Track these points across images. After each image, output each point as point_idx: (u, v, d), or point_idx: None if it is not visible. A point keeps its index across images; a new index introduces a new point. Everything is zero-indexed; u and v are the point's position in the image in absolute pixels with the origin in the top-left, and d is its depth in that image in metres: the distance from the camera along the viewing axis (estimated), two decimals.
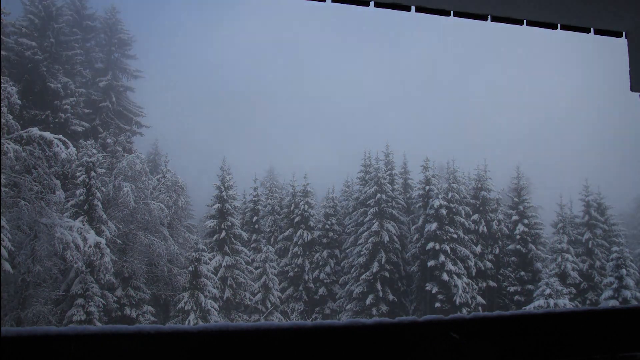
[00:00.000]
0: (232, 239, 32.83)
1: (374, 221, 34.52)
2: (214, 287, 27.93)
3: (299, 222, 38.32)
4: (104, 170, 24.19)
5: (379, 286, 33.05)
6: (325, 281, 37.69)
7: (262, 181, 43.79)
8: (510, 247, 34.78)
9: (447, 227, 32.87)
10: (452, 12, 3.27)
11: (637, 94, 3.80)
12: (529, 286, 33.34)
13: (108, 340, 2.16)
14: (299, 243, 37.76)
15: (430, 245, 32.17)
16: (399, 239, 35.44)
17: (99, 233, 20.85)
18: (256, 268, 33.36)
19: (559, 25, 3.55)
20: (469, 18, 3.37)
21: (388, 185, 36.19)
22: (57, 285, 19.55)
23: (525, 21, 3.47)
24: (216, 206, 33.06)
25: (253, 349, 2.30)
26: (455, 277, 31.59)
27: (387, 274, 33.69)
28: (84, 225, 18.89)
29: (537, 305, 27.54)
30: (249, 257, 33.88)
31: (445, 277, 31.44)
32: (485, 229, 34.99)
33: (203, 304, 25.28)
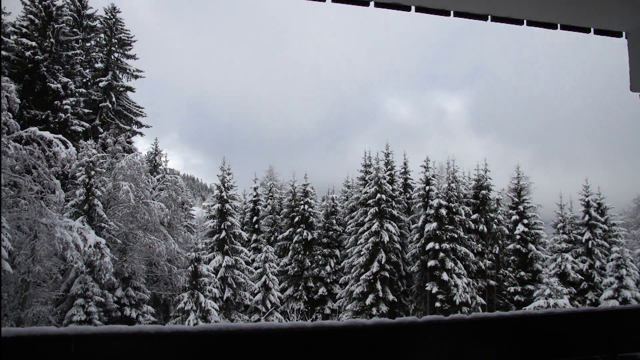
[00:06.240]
0: (232, 239, 32.83)
1: (374, 221, 34.51)
2: (214, 287, 27.94)
3: (299, 222, 38.32)
4: (104, 170, 24.18)
5: (379, 286, 33.04)
6: (325, 281, 37.71)
7: (262, 181, 43.81)
8: (510, 247, 34.78)
9: (447, 226, 32.88)
10: (452, 12, 3.27)
11: (637, 94, 3.80)
12: (529, 286, 33.34)
13: (108, 340, 2.16)
14: (299, 243, 37.76)
15: (430, 245, 32.16)
16: (399, 239, 35.43)
17: (98, 233, 20.85)
18: (256, 268, 33.35)
19: (559, 25, 3.54)
20: (469, 18, 3.37)
21: (388, 185, 36.18)
22: (57, 285, 19.54)
23: (525, 21, 3.47)
24: (216, 206, 33.06)
25: (253, 350, 2.30)
26: (455, 276, 31.59)
27: (387, 274, 33.67)
28: (84, 225, 18.88)
29: (537, 305, 27.53)
30: (249, 257, 33.88)
31: (445, 276, 31.44)
32: (485, 229, 34.99)
33: (203, 304, 25.27)
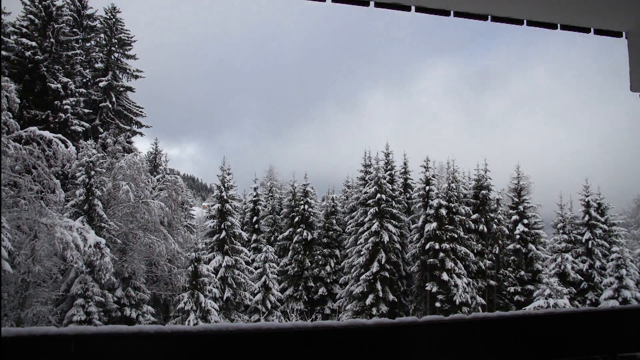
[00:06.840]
0: (232, 239, 32.84)
1: (374, 221, 34.51)
2: (214, 287, 27.95)
3: (299, 222, 38.32)
4: (104, 170, 24.17)
5: (379, 286, 33.04)
6: (325, 281, 37.71)
7: (262, 181, 43.82)
8: (510, 247, 34.78)
9: (447, 226, 32.88)
10: (452, 12, 3.27)
11: (637, 94, 3.80)
12: (529, 286, 33.34)
13: (108, 340, 2.15)
14: (299, 243, 37.76)
15: (430, 245, 32.17)
16: (399, 239, 35.43)
17: (98, 233, 20.85)
18: (256, 268, 33.36)
19: (559, 25, 3.54)
20: (469, 18, 3.37)
21: (388, 185, 36.19)
22: (57, 285, 19.53)
23: (525, 21, 3.47)
24: (216, 206, 33.07)
25: (253, 350, 2.30)
26: (455, 276, 31.60)
27: (387, 274, 33.68)
28: (84, 225, 18.87)
29: (537, 305, 27.53)
30: (249, 257, 33.88)
31: (445, 276, 31.44)
32: (485, 229, 35.00)
33: (203, 304, 25.28)
